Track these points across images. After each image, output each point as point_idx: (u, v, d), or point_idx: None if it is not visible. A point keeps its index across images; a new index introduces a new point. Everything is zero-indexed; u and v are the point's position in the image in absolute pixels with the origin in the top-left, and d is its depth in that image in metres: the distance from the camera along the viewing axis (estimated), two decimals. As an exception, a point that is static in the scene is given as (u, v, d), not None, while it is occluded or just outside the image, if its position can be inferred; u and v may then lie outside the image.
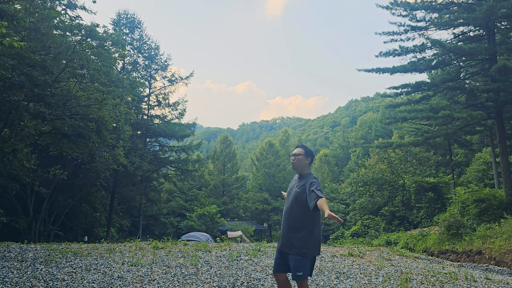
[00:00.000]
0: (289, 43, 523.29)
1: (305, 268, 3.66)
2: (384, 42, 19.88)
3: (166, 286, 5.09)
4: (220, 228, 34.95)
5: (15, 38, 8.01)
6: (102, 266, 5.97)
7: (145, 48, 28.76)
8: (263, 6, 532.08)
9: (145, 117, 29.02)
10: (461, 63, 19.60)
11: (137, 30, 29.00)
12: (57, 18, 12.95)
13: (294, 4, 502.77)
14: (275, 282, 5.45)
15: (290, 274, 3.77)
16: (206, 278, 5.52)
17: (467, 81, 21.27)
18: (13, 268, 5.52)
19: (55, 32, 13.14)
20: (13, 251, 6.82)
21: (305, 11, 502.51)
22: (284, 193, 4.11)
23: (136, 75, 28.48)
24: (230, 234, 30.75)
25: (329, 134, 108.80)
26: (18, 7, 11.05)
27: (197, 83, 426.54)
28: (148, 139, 29.55)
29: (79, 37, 13.55)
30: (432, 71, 23.69)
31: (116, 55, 17.41)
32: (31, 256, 6.45)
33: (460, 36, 19.12)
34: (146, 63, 29.08)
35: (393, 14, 19.60)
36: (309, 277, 3.76)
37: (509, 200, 15.50)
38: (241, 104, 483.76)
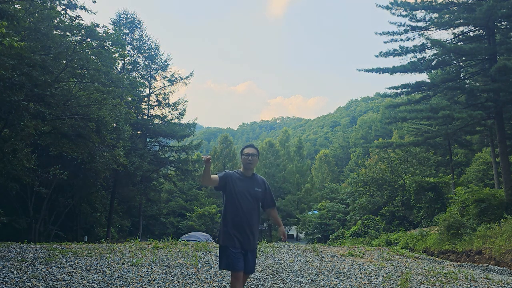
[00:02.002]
0: (290, 43, 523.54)
1: None
2: (384, 42, 19.89)
3: (166, 286, 5.09)
4: (220, 228, 34.91)
5: (15, 38, 8.01)
6: (102, 266, 5.97)
7: (145, 48, 28.77)
8: (265, 6, 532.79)
9: (145, 117, 29.04)
10: (461, 63, 19.60)
11: (137, 30, 29.02)
12: (57, 18, 12.94)
13: (296, 5, 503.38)
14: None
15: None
16: (206, 278, 5.52)
17: (467, 81, 21.26)
18: (13, 268, 5.52)
19: (55, 32, 13.13)
20: (13, 251, 6.82)
21: (307, 12, 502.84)
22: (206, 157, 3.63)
23: (136, 75, 28.49)
24: (230, 234, 30.69)
25: (329, 134, 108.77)
26: (18, 7, 11.03)
27: (198, 83, 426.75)
28: (148, 139, 29.55)
29: (79, 37, 13.54)
30: (432, 71, 23.68)
31: (116, 55, 17.36)
32: (31, 256, 6.45)
33: (460, 36, 19.11)
34: (146, 63, 29.10)
35: (393, 14, 19.60)
36: None
37: (509, 200, 15.49)
38: (241, 104, 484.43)
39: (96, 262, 6.28)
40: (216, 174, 3.87)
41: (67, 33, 13.22)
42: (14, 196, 15.44)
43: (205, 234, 23.63)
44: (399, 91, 19.97)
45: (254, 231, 3.81)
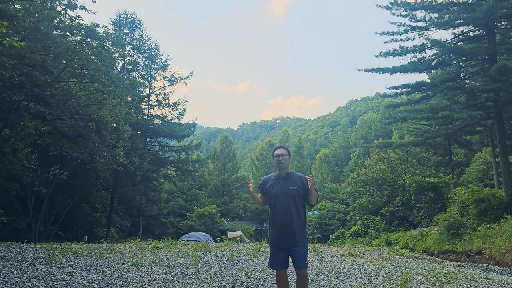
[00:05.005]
0: (291, 43, 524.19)
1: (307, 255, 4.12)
2: (384, 42, 19.87)
3: (166, 286, 5.09)
4: (220, 228, 34.97)
5: (15, 38, 8.00)
6: (102, 266, 5.97)
7: (145, 48, 28.77)
8: (267, 6, 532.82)
9: (145, 117, 29.03)
10: (461, 63, 19.59)
11: (137, 30, 29.03)
12: (57, 18, 12.94)
13: (297, 5, 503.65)
14: (275, 281, 5.45)
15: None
16: (206, 278, 5.52)
17: (467, 81, 21.24)
18: (13, 268, 5.52)
19: (55, 32, 13.13)
20: (13, 251, 6.82)
21: (307, 12, 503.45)
22: (251, 185, 4.11)
23: (136, 75, 28.49)
24: (230, 234, 30.76)
25: (329, 134, 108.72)
26: (18, 7, 11.03)
27: (199, 83, 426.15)
28: (148, 139, 29.56)
29: (79, 37, 13.54)
30: (432, 71, 23.68)
31: (116, 55, 17.39)
32: (31, 256, 6.45)
33: (460, 36, 19.11)
34: (146, 63, 29.11)
35: (393, 14, 19.59)
36: None
37: (509, 200, 15.49)
38: (241, 104, 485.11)
39: (96, 262, 6.28)
40: (258, 189, 4.19)
41: (67, 33, 13.22)
42: (14, 196, 15.41)
43: (205, 234, 23.66)
44: (399, 91, 19.97)
45: (295, 228, 3.93)
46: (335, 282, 5.57)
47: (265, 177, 4.21)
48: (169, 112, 30.38)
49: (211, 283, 5.27)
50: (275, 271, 4.14)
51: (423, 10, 18.97)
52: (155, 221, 38.16)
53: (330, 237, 31.78)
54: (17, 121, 11.55)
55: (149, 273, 5.67)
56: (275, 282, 4.22)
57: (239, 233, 32.30)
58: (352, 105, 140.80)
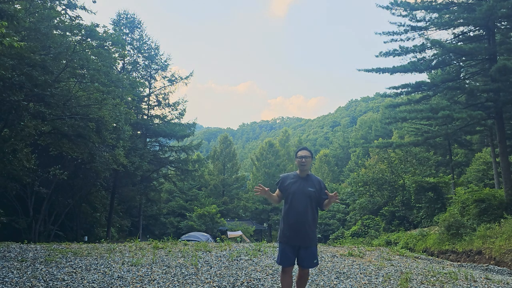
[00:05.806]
0: (291, 43, 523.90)
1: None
2: (384, 42, 19.87)
3: (166, 286, 5.09)
4: (220, 228, 34.99)
5: (15, 38, 8.01)
6: (102, 266, 5.97)
7: (145, 48, 28.78)
8: (267, 6, 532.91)
9: (145, 117, 29.04)
10: (461, 63, 19.59)
11: (137, 30, 29.05)
12: (57, 18, 12.95)
13: (297, 5, 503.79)
14: (279, 279, 5.45)
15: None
16: (206, 278, 5.52)
17: (467, 81, 21.24)
18: (13, 268, 5.53)
19: (55, 32, 13.13)
20: (13, 251, 6.83)
21: (308, 12, 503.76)
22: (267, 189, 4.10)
23: (136, 75, 28.50)
24: (230, 234, 30.76)
25: (329, 134, 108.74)
26: (18, 7, 11.03)
27: (199, 83, 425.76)
28: (148, 139, 29.56)
29: (79, 37, 13.55)
30: (432, 71, 23.67)
31: (116, 55, 17.40)
32: (31, 256, 6.45)
33: (460, 36, 19.11)
34: (146, 63, 29.12)
35: (393, 14, 19.59)
36: None
37: (509, 200, 15.49)
38: (241, 104, 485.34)
39: (96, 262, 6.28)
40: (276, 185, 4.25)
41: (67, 33, 13.22)
42: (14, 196, 15.42)
43: (205, 234, 23.65)
44: (399, 91, 19.96)
45: (308, 228, 4.02)
46: (335, 282, 5.57)
47: (284, 175, 4.29)
48: (169, 112, 30.43)
49: (211, 283, 5.27)
50: (280, 268, 4.21)
51: (423, 10, 18.97)
52: (155, 221, 38.18)
53: (330, 237, 31.82)
54: (17, 121, 11.56)
55: (149, 273, 5.67)
56: (280, 279, 4.26)
57: (239, 233, 32.31)
58: (352, 105, 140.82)
